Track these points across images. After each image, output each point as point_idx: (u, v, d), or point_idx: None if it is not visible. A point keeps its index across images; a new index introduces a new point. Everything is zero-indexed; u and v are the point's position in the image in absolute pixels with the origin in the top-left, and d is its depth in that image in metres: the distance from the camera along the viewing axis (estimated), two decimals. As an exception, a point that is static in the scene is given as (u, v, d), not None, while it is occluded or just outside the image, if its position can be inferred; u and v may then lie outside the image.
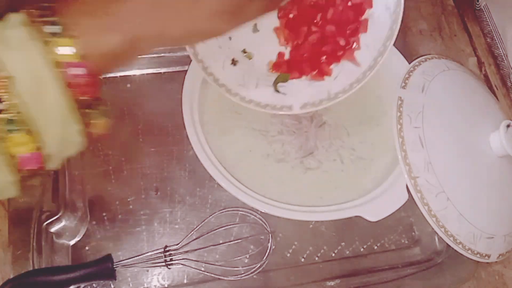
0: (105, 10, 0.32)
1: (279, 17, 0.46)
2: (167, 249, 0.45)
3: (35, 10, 0.30)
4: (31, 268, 0.44)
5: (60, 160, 0.33)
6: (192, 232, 0.47)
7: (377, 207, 0.44)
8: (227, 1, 0.34)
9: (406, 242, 0.51)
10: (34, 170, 0.31)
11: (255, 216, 0.48)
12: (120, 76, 0.53)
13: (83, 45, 0.30)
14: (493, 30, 0.60)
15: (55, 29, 0.30)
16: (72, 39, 0.30)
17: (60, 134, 0.31)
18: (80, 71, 0.30)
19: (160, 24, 0.33)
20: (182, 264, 0.46)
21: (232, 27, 0.36)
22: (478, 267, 0.50)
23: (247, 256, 0.48)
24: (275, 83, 0.44)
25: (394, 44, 0.50)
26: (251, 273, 0.46)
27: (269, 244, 0.47)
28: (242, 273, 0.46)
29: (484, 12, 0.61)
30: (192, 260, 0.46)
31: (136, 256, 0.45)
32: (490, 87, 0.58)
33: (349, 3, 0.43)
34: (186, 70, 0.47)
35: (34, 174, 0.32)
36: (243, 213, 0.48)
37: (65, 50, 0.30)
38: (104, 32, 0.32)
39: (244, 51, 0.46)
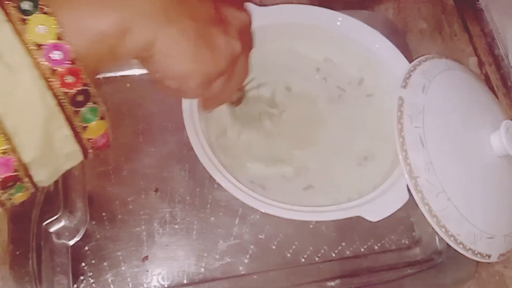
0: None
1: None
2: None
3: None
4: (30, 268, 0.44)
5: (52, 174, 0.28)
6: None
7: (377, 207, 0.44)
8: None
9: (407, 242, 0.51)
10: (11, 181, 0.25)
11: (255, 216, 0.48)
12: (120, 76, 0.52)
13: (65, 23, 0.25)
14: (493, 30, 0.60)
15: (30, 5, 0.24)
16: (50, 16, 0.24)
17: (40, 137, 0.25)
18: (59, 54, 0.24)
19: (158, 31, 0.28)
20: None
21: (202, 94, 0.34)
22: (479, 267, 0.50)
23: (247, 256, 0.48)
24: None
25: (394, 44, 0.50)
26: (251, 273, 0.46)
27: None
28: (242, 273, 0.46)
29: (484, 12, 0.61)
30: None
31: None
32: (490, 87, 0.58)
33: None
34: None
35: (13, 186, 0.25)
36: (243, 213, 0.48)
37: (40, 29, 0.24)
38: (94, 10, 0.26)
39: None
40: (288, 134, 0.49)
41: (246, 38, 0.36)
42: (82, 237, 0.46)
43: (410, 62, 0.48)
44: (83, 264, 0.46)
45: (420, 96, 0.45)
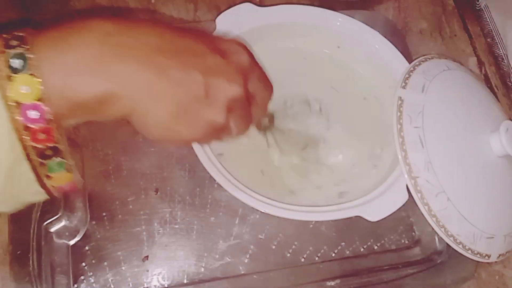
0: (91, 52, 0.27)
1: None
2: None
3: (5, 38, 0.26)
4: (31, 268, 0.44)
5: (16, 206, 0.30)
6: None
7: (377, 207, 0.44)
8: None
9: (406, 242, 0.51)
10: None
11: (255, 216, 0.48)
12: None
13: (49, 85, 0.26)
14: (493, 30, 0.60)
15: (20, 64, 0.26)
16: (36, 78, 0.26)
17: (3, 181, 0.27)
18: (36, 114, 0.26)
19: (145, 99, 0.29)
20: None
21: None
22: (478, 267, 0.50)
23: (247, 256, 0.48)
24: None
25: (394, 44, 0.50)
26: (251, 273, 0.46)
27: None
28: (242, 273, 0.46)
29: (484, 12, 0.61)
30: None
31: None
32: (490, 87, 0.58)
33: None
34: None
35: None
36: (243, 213, 0.48)
37: (23, 89, 0.26)
38: (81, 80, 0.27)
39: None
40: (286, 134, 0.49)
41: (241, 109, 0.35)
42: (82, 237, 0.46)
43: (410, 62, 0.48)
44: (83, 264, 0.46)
45: (420, 96, 0.45)
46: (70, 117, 0.28)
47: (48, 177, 0.28)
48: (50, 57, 0.27)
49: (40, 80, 0.26)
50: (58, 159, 0.28)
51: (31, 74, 0.26)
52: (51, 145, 0.27)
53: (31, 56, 0.26)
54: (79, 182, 0.31)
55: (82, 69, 0.27)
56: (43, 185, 0.29)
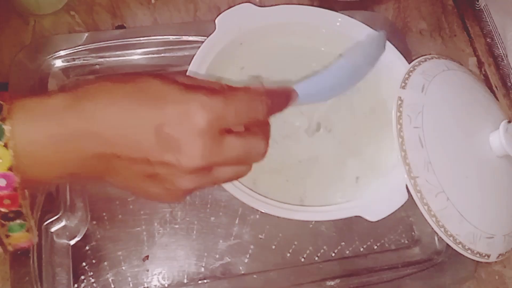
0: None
1: None
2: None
3: None
4: (31, 268, 0.44)
5: None
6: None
7: (377, 207, 0.44)
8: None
9: (406, 242, 0.51)
10: None
11: (255, 216, 0.48)
12: (120, 76, 0.53)
13: (22, 154, 0.27)
14: (493, 30, 0.60)
15: None
16: (8, 150, 0.26)
17: None
18: (3, 182, 0.27)
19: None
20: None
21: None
22: (478, 267, 0.50)
23: (247, 256, 0.48)
24: None
25: (394, 44, 0.50)
26: (251, 273, 0.46)
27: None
28: (242, 273, 0.47)
29: (484, 12, 0.61)
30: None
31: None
32: (490, 87, 0.58)
33: None
34: (186, 70, 0.47)
35: None
36: (243, 213, 0.48)
37: None
38: (39, 118, 0.27)
39: None
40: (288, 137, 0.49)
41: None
42: (82, 237, 0.46)
43: (409, 63, 0.48)
44: (83, 263, 0.46)
45: (420, 96, 0.45)
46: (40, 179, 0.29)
47: (7, 236, 0.30)
48: (25, 125, 0.27)
49: (12, 151, 0.26)
50: (19, 221, 0.29)
51: (4, 145, 0.26)
52: (14, 209, 0.29)
53: (6, 128, 0.26)
54: (35, 239, 0.32)
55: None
56: (1, 243, 0.30)
